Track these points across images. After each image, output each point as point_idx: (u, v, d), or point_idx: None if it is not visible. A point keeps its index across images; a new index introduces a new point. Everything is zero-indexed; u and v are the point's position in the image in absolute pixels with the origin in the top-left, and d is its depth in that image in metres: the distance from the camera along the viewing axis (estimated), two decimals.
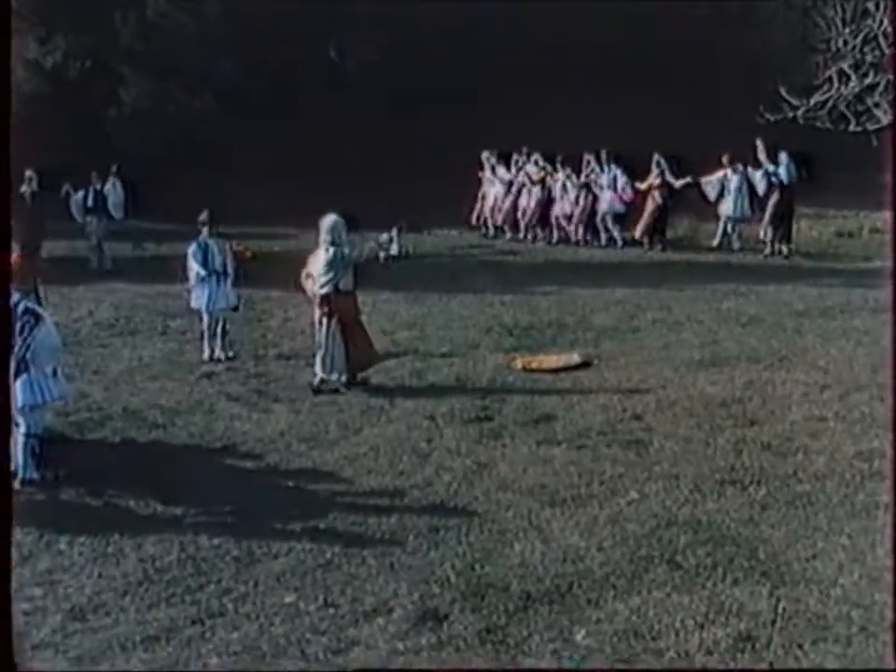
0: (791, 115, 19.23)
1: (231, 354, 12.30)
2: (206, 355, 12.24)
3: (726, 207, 20.12)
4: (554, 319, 14.22)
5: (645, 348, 12.51)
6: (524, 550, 7.16)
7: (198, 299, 12.38)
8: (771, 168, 19.21)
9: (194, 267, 12.22)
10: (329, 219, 11.00)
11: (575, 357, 11.97)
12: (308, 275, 11.05)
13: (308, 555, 7.13)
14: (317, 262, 10.93)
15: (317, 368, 10.98)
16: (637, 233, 20.50)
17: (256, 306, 15.26)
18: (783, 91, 19.25)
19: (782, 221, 19.39)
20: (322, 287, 10.86)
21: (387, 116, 24.13)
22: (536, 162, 21.63)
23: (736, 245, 20.06)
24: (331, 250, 10.83)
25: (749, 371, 11.32)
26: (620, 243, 20.63)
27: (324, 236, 10.92)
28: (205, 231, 12.29)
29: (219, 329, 12.36)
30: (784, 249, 19.43)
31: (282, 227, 22.42)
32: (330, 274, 10.83)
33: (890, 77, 18.74)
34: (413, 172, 22.47)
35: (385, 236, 20.05)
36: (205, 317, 12.33)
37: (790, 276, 17.20)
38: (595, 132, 20.80)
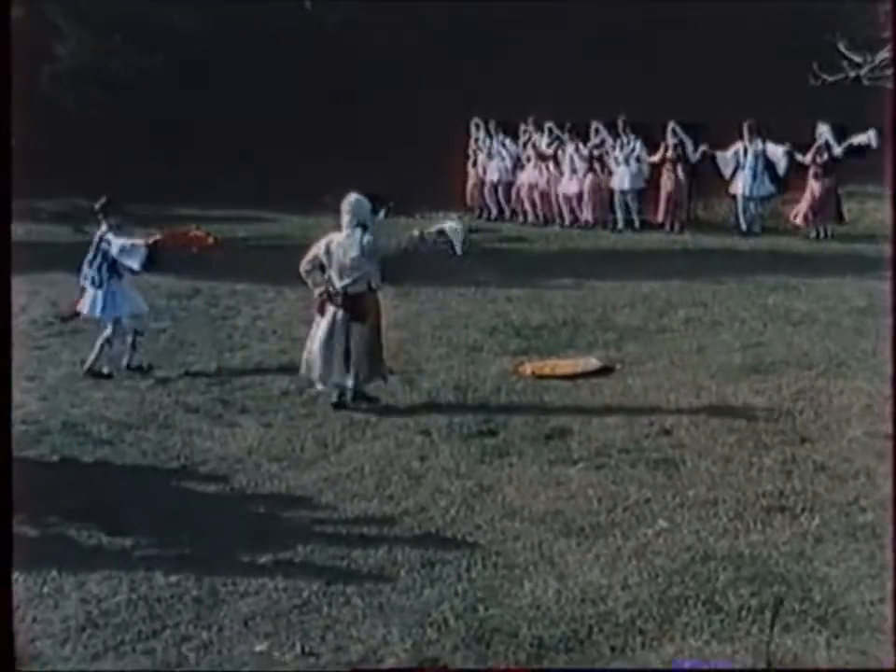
0: (852, 75, 19.17)
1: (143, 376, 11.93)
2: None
3: (738, 185, 20.51)
4: (570, 317, 14.22)
5: (676, 351, 12.52)
6: (534, 588, 7.15)
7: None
8: (832, 144, 19.55)
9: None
10: (352, 198, 10.67)
11: (594, 362, 11.99)
12: (317, 265, 10.68)
13: (282, 595, 7.12)
14: (340, 251, 10.55)
15: (326, 375, 10.71)
16: (660, 216, 20.73)
17: (219, 302, 15.28)
18: (843, 47, 19.19)
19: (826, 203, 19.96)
20: (352, 283, 10.56)
21: (369, 83, 24.12)
22: (550, 131, 21.66)
23: (757, 227, 20.44)
24: (366, 237, 10.52)
25: (800, 379, 11.33)
26: (637, 224, 20.96)
27: (347, 218, 10.59)
28: (103, 222, 11.89)
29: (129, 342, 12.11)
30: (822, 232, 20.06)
31: (249, 209, 22.43)
32: (365, 268, 10.57)
33: None
34: (399, 148, 22.48)
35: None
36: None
37: (850, 267, 17.17)
38: (611, 101, 20.84)
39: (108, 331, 11.99)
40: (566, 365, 11.93)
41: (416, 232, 10.44)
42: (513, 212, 22.45)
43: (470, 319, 14.22)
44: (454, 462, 9.31)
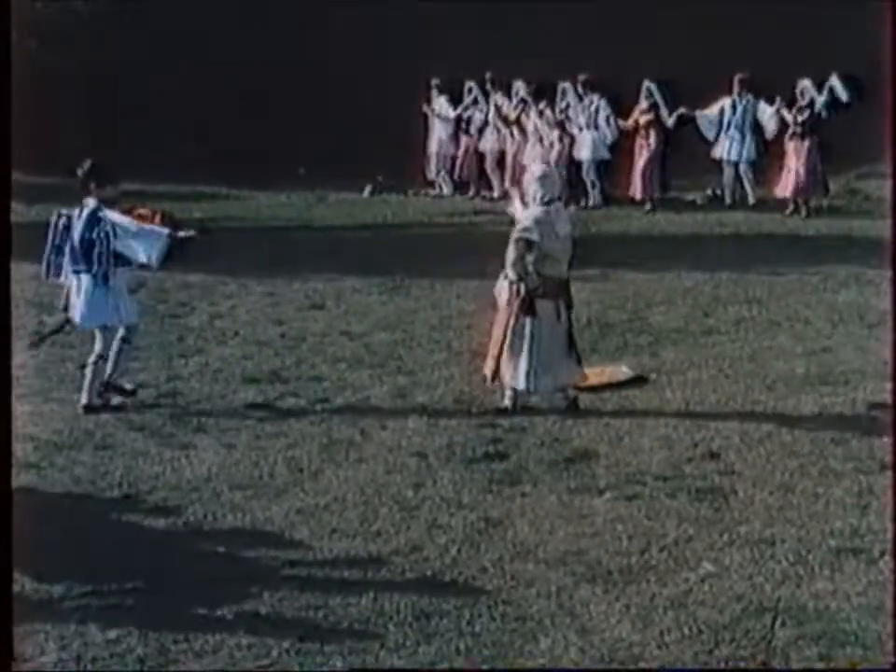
0: None
1: (118, 400, 11.38)
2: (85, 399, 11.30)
3: (721, 149, 21.06)
4: (595, 316, 14.23)
5: (725, 358, 12.54)
6: (552, 645, 7.14)
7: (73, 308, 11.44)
8: (820, 99, 19.90)
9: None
10: (544, 170, 11.48)
11: (624, 370, 12.04)
12: (520, 256, 10.90)
13: (246, 653, 7.10)
14: (547, 232, 10.83)
15: (528, 381, 10.94)
16: (637, 193, 21.14)
17: (168, 297, 15.27)
18: None
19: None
20: (569, 266, 11.05)
21: (340, 46, 24.23)
22: (516, 93, 21.88)
23: (751, 199, 21.00)
24: (566, 216, 11.07)
25: (877, 392, 11.30)
26: (599, 200, 21.49)
27: (540, 194, 10.94)
28: (93, 194, 11.25)
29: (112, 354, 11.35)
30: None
31: (205, 184, 22.44)
32: (573, 250, 11.06)
33: None
34: (378, 118, 22.57)
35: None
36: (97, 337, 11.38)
37: None
38: (582, 56, 21.08)
39: (99, 347, 11.26)
40: (590, 374, 11.92)
41: None
42: (466, 184, 22.73)
43: (474, 319, 14.20)
44: (454, 491, 9.31)
